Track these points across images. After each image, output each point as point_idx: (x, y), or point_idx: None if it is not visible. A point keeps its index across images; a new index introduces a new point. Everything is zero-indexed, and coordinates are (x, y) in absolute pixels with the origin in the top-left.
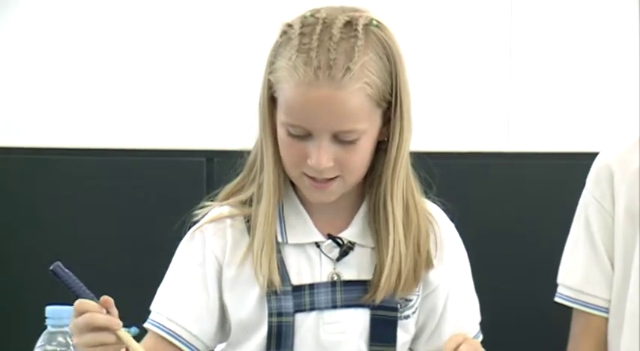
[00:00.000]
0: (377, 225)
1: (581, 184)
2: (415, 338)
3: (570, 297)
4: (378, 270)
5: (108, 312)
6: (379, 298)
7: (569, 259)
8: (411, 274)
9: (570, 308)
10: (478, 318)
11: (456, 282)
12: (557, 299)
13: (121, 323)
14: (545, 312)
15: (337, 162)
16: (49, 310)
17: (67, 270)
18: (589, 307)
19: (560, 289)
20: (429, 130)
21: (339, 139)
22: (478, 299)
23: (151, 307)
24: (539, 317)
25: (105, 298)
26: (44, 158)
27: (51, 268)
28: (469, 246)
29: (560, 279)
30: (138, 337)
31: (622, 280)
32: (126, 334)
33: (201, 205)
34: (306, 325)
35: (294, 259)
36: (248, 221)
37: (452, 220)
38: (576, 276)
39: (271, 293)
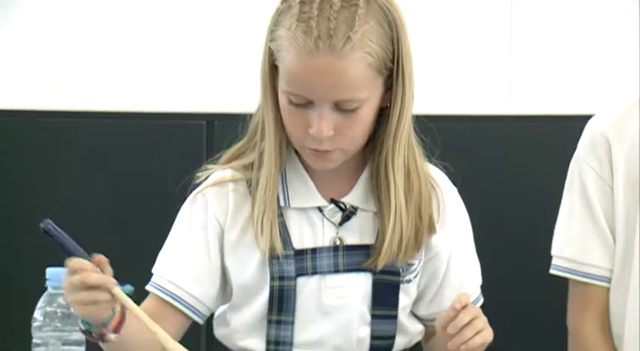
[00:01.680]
0: (379, 191)
1: None
2: (417, 301)
3: (568, 268)
4: (380, 236)
5: (101, 270)
6: (381, 264)
7: (565, 229)
8: (412, 239)
9: (566, 278)
10: (479, 281)
11: (458, 246)
12: (553, 271)
13: (115, 281)
14: (547, 275)
15: (338, 130)
16: (50, 272)
17: (58, 228)
18: (589, 278)
19: (555, 261)
20: (429, 93)
21: (340, 107)
22: (480, 262)
23: (153, 270)
24: (541, 280)
25: (99, 256)
26: (42, 121)
27: (42, 225)
28: (471, 209)
29: (555, 251)
30: (133, 295)
31: (624, 249)
32: (120, 292)
33: (203, 167)
34: (307, 289)
35: (297, 223)
36: (250, 185)
37: (454, 183)
38: (574, 246)
39: (273, 257)
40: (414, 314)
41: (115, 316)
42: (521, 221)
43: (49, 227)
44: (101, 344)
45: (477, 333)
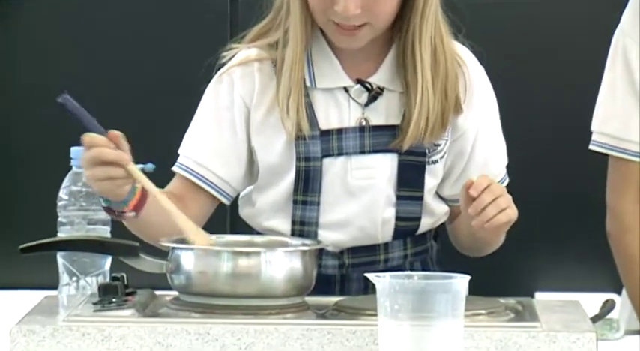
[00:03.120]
0: (405, 70)
1: (613, 22)
2: (442, 182)
3: (609, 145)
4: (407, 116)
5: (118, 147)
6: (407, 144)
7: (606, 105)
8: (439, 119)
9: (605, 155)
10: (505, 161)
11: (484, 125)
12: (592, 147)
13: (130, 158)
14: (576, 156)
15: (365, 8)
16: (74, 151)
17: (75, 102)
18: (630, 155)
19: (596, 137)
20: None
21: None
22: (506, 143)
23: (179, 151)
24: (568, 161)
25: (113, 132)
26: None
27: (59, 99)
28: (497, 89)
29: (595, 126)
30: (154, 174)
31: None
32: (135, 169)
33: (228, 47)
34: (333, 169)
35: (323, 103)
36: (275, 65)
37: (481, 62)
38: (615, 122)
39: (299, 138)
40: (438, 195)
41: (136, 195)
42: (550, 100)
43: (65, 101)
44: (124, 222)
45: (501, 211)
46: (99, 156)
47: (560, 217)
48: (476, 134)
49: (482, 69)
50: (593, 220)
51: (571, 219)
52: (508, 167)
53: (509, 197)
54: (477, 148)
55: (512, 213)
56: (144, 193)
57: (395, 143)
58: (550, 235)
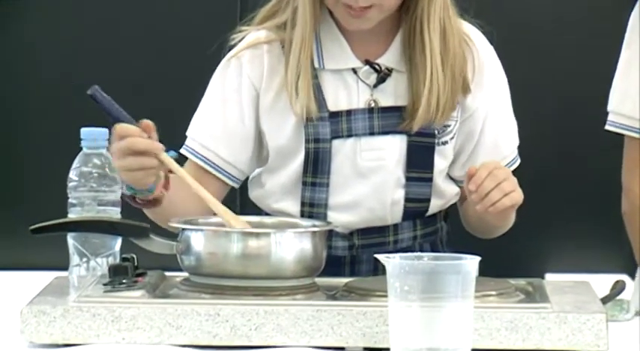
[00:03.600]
0: (413, 51)
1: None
2: (452, 162)
3: (624, 124)
4: (415, 97)
5: (149, 136)
6: (417, 126)
7: (622, 85)
8: (449, 100)
9: (621, 136)
10: (516, 142)
11: (494, 106)
12: (608, 127)
13: (162, 147)
14: (586, 137)
15: None
16: (84, 131)
17: (105, 94)
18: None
19: (611, 117)
20: None
21: None
22: (517, 123)
23: (187, 133)
24: (579, 141)
25: (146, 122)
26: None
27: (89, 92)
28: (507, 69)
29: (611, 106)
30: (178, 161)
31: None
32: (168, 158)
33: (237, 29)
34: (343, 151)
35: (331, 85)
36: (284, 47)
37: (491, 42)
38: (630, 102)
39: (308, 119)
40: (449, 176)
41: (160, 182)
42: (560, 82)
43: (96, 93)
44: (145, 209)
45: (506, 195)
46: (131, 146)
47: (570, 198)
48: (485, 115)
49: (491, 49)
50: (603, 201)
51: (581, 200)
52: (519, 147)
53: (515, 180)
54: (487, 128)
55: (517, 196)
56: (167, 181)
57: (404, 124)
58: (560, 216)
